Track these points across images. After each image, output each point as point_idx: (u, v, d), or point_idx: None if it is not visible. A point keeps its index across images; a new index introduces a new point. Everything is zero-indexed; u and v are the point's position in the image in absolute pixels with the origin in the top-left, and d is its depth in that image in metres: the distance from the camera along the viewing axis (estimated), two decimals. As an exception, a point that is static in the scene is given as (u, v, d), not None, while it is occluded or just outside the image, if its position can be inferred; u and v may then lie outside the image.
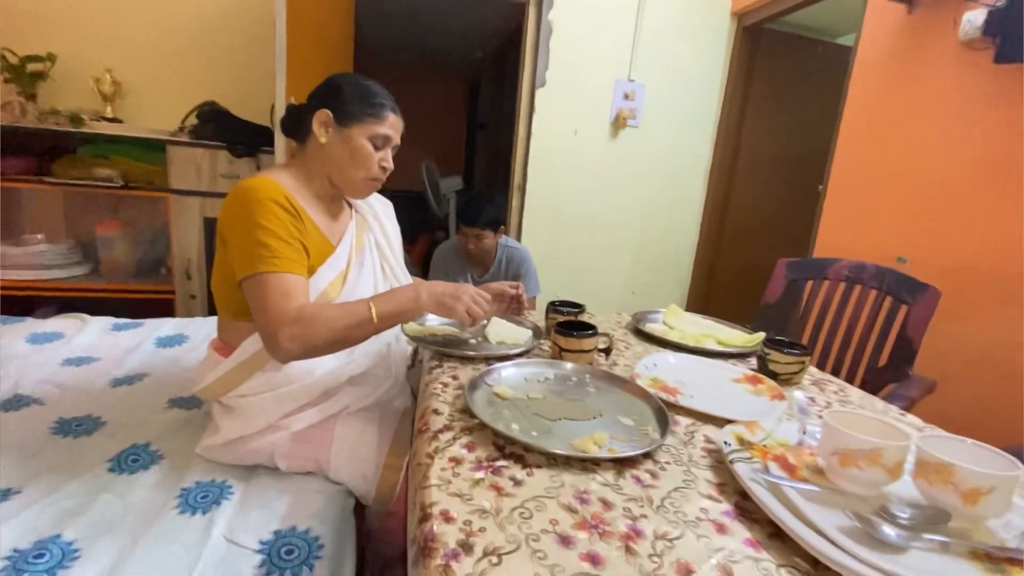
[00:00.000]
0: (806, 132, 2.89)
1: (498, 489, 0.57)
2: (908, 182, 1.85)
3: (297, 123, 0.99)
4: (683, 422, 0.78)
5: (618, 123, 2.69)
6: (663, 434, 0.69)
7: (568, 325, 0.97)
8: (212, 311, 1.83)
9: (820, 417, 0.74)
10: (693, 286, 3.10)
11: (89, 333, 1.47)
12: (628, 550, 0.49)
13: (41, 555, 0.69)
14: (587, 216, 2.79)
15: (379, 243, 1.12)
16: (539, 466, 0.62)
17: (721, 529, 0.54)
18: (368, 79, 0.99)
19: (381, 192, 1.13)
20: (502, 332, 1.07)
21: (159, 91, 2.34)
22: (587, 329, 0.95)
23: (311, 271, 0.91)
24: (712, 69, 2.80)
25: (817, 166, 2.26)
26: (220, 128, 2.19)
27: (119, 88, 2.25)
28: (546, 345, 1.06)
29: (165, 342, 1.46)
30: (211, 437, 0.92)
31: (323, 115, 0.94)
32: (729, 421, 0.74)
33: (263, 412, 0.90)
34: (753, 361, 1.09)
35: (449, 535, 0.49)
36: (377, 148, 0.96)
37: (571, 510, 0.54)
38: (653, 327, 1.24)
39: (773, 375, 0.97)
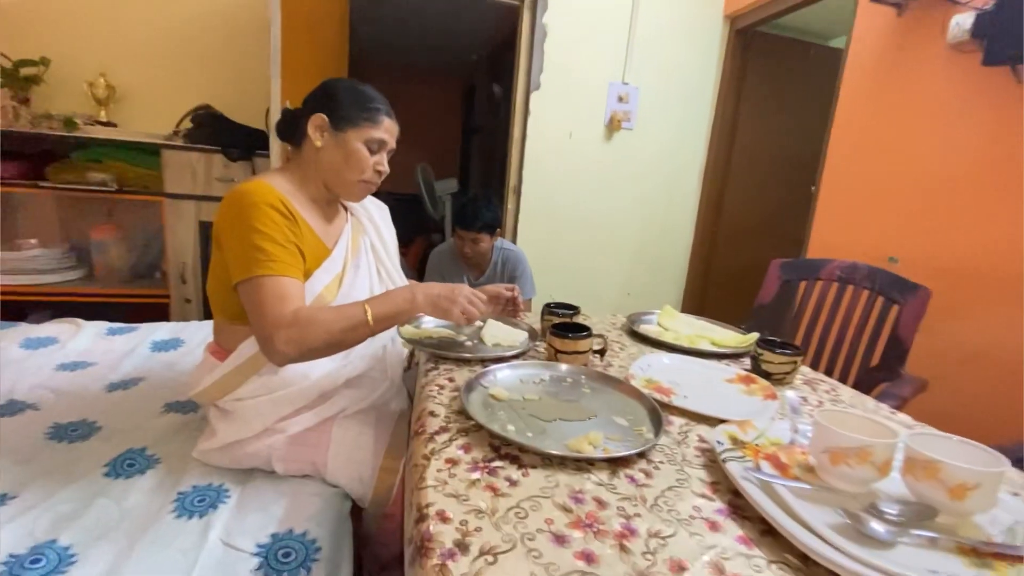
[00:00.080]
0: (799, 133, 2.91)
1: (494, 489, 0.58)
2: (899, 183, 1.87)
3: (292, 127, 0.99)
4: (677, 422, 0.79)
5: (612, 125, 2.70)
6: (657, 434, 0.70)
7: (563, 327, 0.98)
8: (208, 315, 1.83)
9: (811, 416, 0.75)
10: (688, 287, 3.12)
11: (84, 338, 1.46)
12: (622, 548, 0.50)
13: (37, 560, 0.69)
14: (582, 218, 2.80)
15: (375, 246, 1.12)
16: (534, 466, 0.63)
17: (714, 527, 0.54)
18: (363, 83, 1.00)
19: (376, 195, 1.14)
20: (498, 334, 1.08)
21: (153, 95, 2.34)
22: (582, 331, 0.96)
23: (307, 274, 0.92)
24: (705, 72, 2.83)
25: (810, 167, 2.28)
26: (215, 132, 2.19)
27: (113, 92, 2.25)
28: (542, 347, 1.07)
29: (160, 346, 1.46)
30: (208, 441, 0.92)
31: (318, 119, 0.94)
32: (722, 421, 0.75)
33: (260, 415, 0.91)
34: (746, 361, 1.10)
35: (445, 535, 0.50)
36: (372, 152, 0.97)
37: (566, 509, 0.55)
38: (648, 328, 1.25)
39: (766, 375, 0.98)
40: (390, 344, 1.12)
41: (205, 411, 1.00)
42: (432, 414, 0.75)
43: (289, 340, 0.79)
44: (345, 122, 0.94)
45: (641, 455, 0.67)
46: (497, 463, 0.63)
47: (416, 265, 4.17)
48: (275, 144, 1.91)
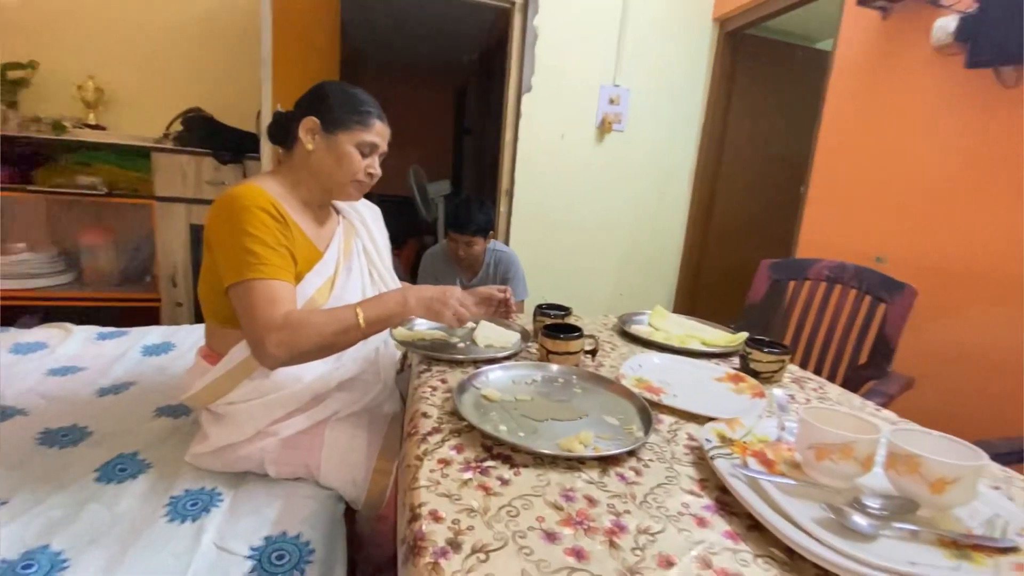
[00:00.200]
0: (788, 135, 2.94)
1: (486, 489, 0.58)
2: (885, 183, 1.90)
3: (284, 130, 1.00)
4: (667, 420, 0.80)
5: (604, 127, 2.72)
6: (647, 432, 0.71)
7: (555, 327, 0.99)
8: (199, 319, 1.82)
9: (798, 413, 0.76)
10: (680, 287, 3.14)
11: (73, 342, 1.46)
12: (612, 544, 0.51)
13: (29, 565, 0.69)
14: (574, 219, 2.81)
15: (367, 248, 1.12)
16: (526, 466, 0.63)
17: (701, 523, 0.55)
18: (355, 87, 1.01)
19: (368, 197, 1.14)
20: (490, 335, 1.09)
21: (143, 98, 2.33)
22: (573, 331, 0.97)
23: (299, 277, 0.92)
24: (695, 74, 2.85)
25: (799, 168, 2.30)
26: (205, 135, 2.18)
27: (102, 95, 2.23)
28: (534, 348, 1.08)
29: (152, 350, 1.46)
30: (200, 445, 0.92)
31: (310, 122, 0.95)
32: (711, 419, 0.76)
33: (252, 419, 0.91)
34: (736, 360, 1.11)
35: (438, 534, 0.50)
36: (364, 155, 0.97)
37: (557, 507, 0.56)
38: (639, 328, 1.26)
39: (755, 374, 0.99)
40: (383, 347, 1.12)
41: (197, 415, 0.99)
42: (425, 415, 0.75)
43: (280, 343, 0.79)
44: (336, 125, 0.95)
45: (631, 453, 0.68)
46: (489, 463, 0.64)
47: (409, 267, 4.17)
48: (266, 147, 1.91)
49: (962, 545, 0.52)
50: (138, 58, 2.31)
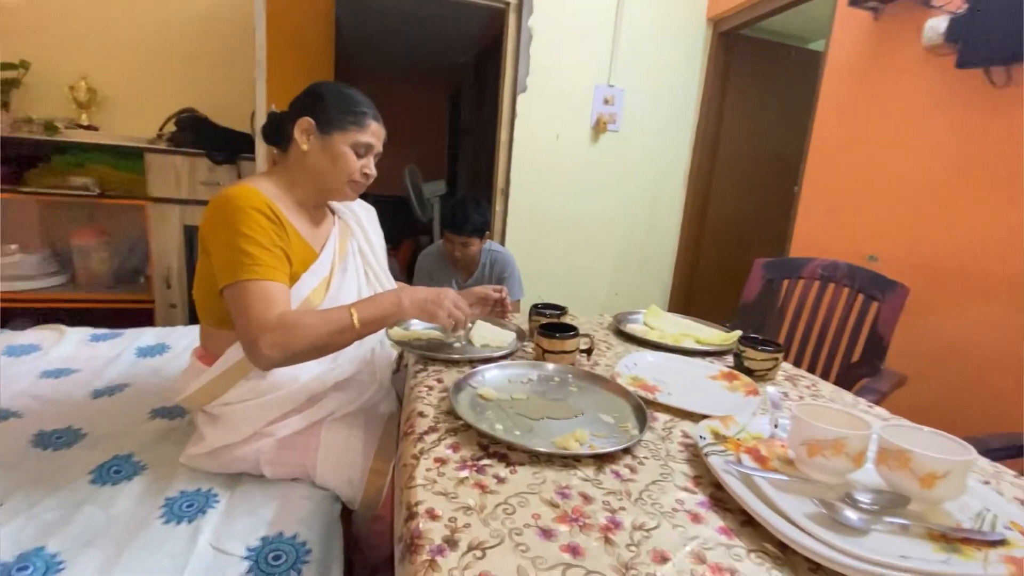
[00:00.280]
0: (781, 134, 2.96)
1: (482, 487, 0.59)
2: (878, 183, 1.92)
3: (279, 131, 0.99)
4: (661, 418, 0.80)
5: (599, 128, 2.73)
6: (642, 430, 0.71)
7: (550, 327, 0.99)
8: (193, 320, 1.81)
9: (791, 410, 0.77)
10: (675, 286, 3.16)
11: (67, 344, 1.45)
12: (607, 541, 0.51)
13: (25, 568, 0.69)
14: (570, 219, 2.82)
15: (362, 249, 1.12)
16: (522, 464, 0.64)
17: (696, 519, 0.56)
18: (350, 87, 1.00)
19: (364, 197, 1.14)
20: (486, 335, 1.09)
21: (136, 98, 2.32)
22: (569, 330, 0.98)
23: (294, 278, 0.92)
24: (689, 74, 2.86)
25: (792, 167, 2.32)
26: (199, 135, 2.17)
27: (95, 95, 2.22)
28: (529, 347, 1.08)
29: (146, 352, 1.45)
30: (196, 446, 0.92)
31: (305, 123, 0.94)
32: (705, 416, 0.77)
33: (248, 420, 0.90)
34: (730, 359, 1.12)
35: (435, 532, 0.51)
36: (359, 156, 0.97)
37: (553, 505, 0.56)
38: (634, 327, 1.27)
39: (748, 372, 1.00)
40: (379, 347, 1.12)
41: (193, 416, 0.99)
42: (421, 415, 0.75)
43: (274, 344, 0.79)
44: (331, 126, 0.95)
45: (626, 451, 0.68)
46: (485, 461, 0.64)
47: (404, 267, 4.16)
48: (261, 147, 1.91)
49: (952, 538, 0.52)
50: (131, 58, 2.29)
